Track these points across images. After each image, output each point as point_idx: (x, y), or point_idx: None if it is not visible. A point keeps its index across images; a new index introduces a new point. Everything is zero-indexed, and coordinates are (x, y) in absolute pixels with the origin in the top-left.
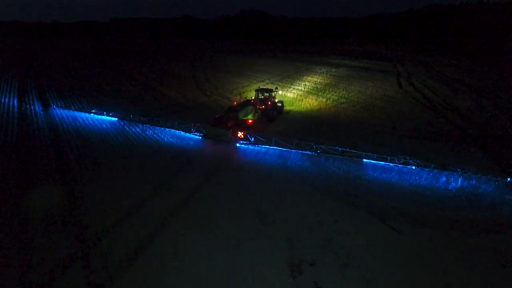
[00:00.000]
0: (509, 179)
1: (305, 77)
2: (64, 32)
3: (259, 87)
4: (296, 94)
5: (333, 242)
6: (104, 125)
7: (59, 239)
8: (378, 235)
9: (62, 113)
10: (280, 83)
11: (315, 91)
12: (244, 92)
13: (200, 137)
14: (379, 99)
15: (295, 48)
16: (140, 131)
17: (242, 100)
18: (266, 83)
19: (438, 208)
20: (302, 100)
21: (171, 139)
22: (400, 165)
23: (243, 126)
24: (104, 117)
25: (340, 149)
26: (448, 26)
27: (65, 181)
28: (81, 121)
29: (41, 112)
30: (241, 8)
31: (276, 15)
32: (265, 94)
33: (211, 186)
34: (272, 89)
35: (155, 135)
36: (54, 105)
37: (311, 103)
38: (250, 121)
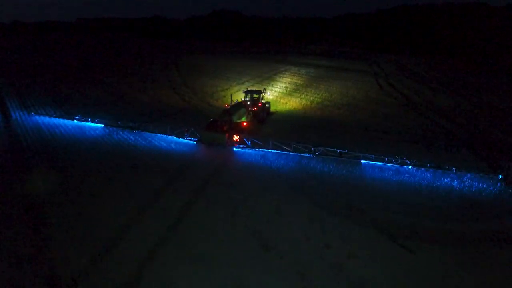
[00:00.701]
0: (500, 176)
1: (284, 78)
2: (26, 32)
3: (247, 88)
4: (278, 96)
5: (345, 269)
6: (90, 133)
7: (25, 285)
8: (389, 256)
9: (43, 120)
10: (260, 85)
11: (297, 93)
12: (229, 94)
13: (195, 142)
14: (362, 101)
15: (269, 48)
16: (129, 138)
17: (233, 103)
18: (247, 86)
19: (444, 219)
20: (286, 102)
21: (164, 145)
22: (397, 165)
23: (238, 129)
24: (89, 124)
25: (338, 150)
26: (414, 26)
27: (32, 206)
28: (64, 128)
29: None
30: (213, 8)
31: (248, 15)
32: (254, 95)
33: (203, 204)
34: (261, 91)
35: (146, 142)
36: (32, 112)
37: (294, 105)
38: (245, 124)
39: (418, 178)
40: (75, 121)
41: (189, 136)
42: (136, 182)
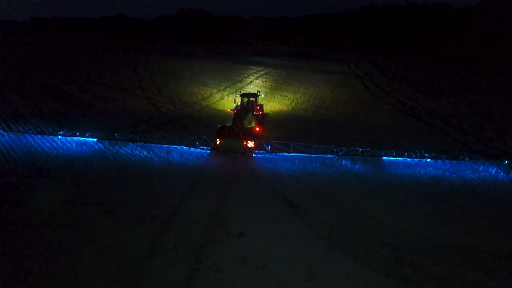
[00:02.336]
0: (506, 161)
1: (268, 82)
2: None
3: (239, 92)
4: (268, 102)
5: None
6: (84, 149)
7: None
8: None
9: (17, 139)
10: (244, 90)
11: (286, 99)
12: (212, 103)
13: (209, 151)
14: (357, 107)
15: (244, 49)
16: (134, 152)
17: (238, 107)
18: (230, 92)
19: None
20: (280, 109)
21: (174, 157)
22: (417, 159)
23: (253, 135)
24: (78, 139)
25: (360, 149)
26: (382, 27)
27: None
28: (50, 146)
29: None
30: (180, 7)
31: (217, 15)
32: (251, 98)
33: (216, 250)
34: (257, 93)
35: (154, 155)
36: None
37: (283, 110)
38: (257, 128)
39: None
40: (60, 136)
41: (202, 145)
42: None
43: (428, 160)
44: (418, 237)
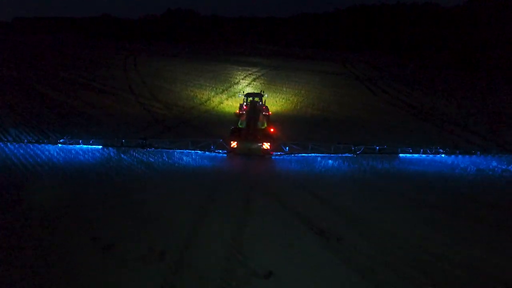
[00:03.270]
0: None
1: (267, 84)
2: None
3: (243, 92)
4: (271, 105)
5: None
6: (84, 157)
7: None
8: None
9: (14, 149)
10: (245, 92)
11: (290, 103)
12: (211, 108)
13: (225, 155)
14: (364, 110)
15: (235, 50)
16: (140, 160)
17: (242, 107)
18: (228, 95)
19: None
20: (284, 111)
21: (188, 164)
22: (432, 155)
23: (268, 136)
24: (81, 147)
25: (377, 147)
26: (372, 25)
27: None
28: (54, 154)
29: None
30: (168, 6)
31: (206, 15)
32: (255, 98)
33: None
34: (261, 94)
35: (163, 163)
36: None
37: (294, 116)
38: (272, 129)
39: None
40: (60, 144)
41: (217, 149)
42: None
43: (443, 155)
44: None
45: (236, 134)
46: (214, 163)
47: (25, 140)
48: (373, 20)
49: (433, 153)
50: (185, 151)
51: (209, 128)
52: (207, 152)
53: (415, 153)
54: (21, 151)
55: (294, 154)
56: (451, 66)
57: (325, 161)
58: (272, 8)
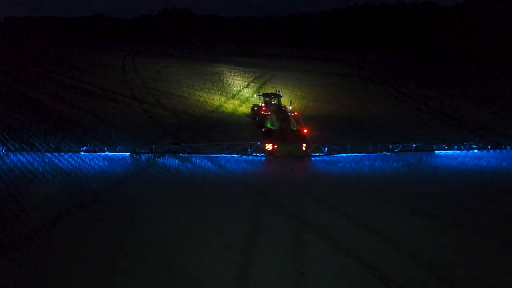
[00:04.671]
0: None
1: (279, 87)
2: None
3: (259, 93)
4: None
5: None
6: (113, 166)
7: None
8: None
9: (23, 160)
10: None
11: (306, 108)
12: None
13: (264, 158)
14: (388, 116)
15: (233, 50)
16: (171, 168)
17: (260, 107)
18: (240, 100)
19: None
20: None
21: (225, 171)
22: (465, 151)
23: (305, 137)
24: (106, 154)
25: (413, 145)
26: (371, 25)
27: None
28: (81, 164)
29: None
30: (164, 6)
31: (202, 14)
32: (273, 99)
33: None
34: (279, 94)
35: (197, 170)
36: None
37: (319, 120)
38: (305, 130)
39: None
40: (83, 153)
41: (254, 152)
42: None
43: (476, 151)
44: None
45: (271, 136)
46: (262, 168)
47: (43, 149)
48: (373, 19)
49: (466, 149)
50: (220, 155)
51: (230, 139)
52: (244, 156)
53: (450, 150)
54: (56, 160)
55: (333, 154)
56: (457, 64)
57: (370, 161)
58: (269, 8)
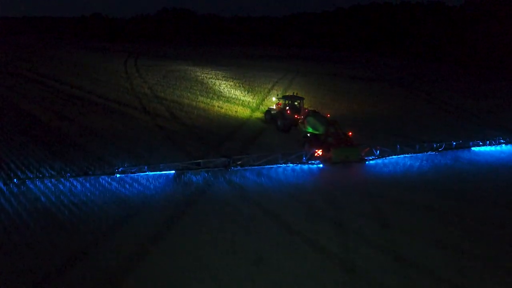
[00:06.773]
0: None
1: (303, 94)
2: None
3: (277, 95)
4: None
5: None
6: (162, 188)
7: None
8: None
9: (52, 189)
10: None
11: (337, 109)
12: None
13: (321, 165)
14: (422, 118)
15: (242, 51)
16: (246, 181)
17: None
18: (260, 108)
19: None
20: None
21: (285, 183)
22: (496, 145)
23: (349, 141)
24: (148, 174)
25: (454, 143)
26: (375, 25)
27: None
28: (112, 191)
29: None
30: (163, 5)
31: (202, 14)
32: (296, 101)
33: None
34: (299, 96)
35: (252, 185)
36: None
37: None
38: (350, 133)
39: None
40: (118, 175)
41: (309, 160)
42: None
43: (504, 145)
44: None
45: (318, 141)
46: (334, 177)
47: (68, 174)
48: (378, 20)
49: (497, 144)
50: (274, 166)
51: None
52: (299, 164)
53: (484, 146)
54: (96, 186)
55: (385, 157)
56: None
57: (435, 161)
58: (270, 8)
